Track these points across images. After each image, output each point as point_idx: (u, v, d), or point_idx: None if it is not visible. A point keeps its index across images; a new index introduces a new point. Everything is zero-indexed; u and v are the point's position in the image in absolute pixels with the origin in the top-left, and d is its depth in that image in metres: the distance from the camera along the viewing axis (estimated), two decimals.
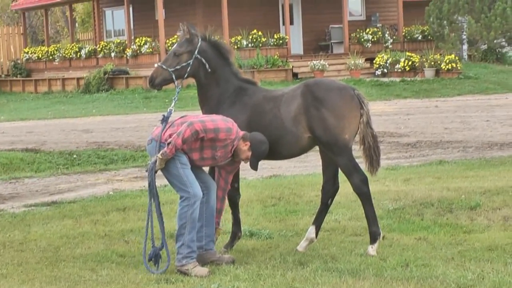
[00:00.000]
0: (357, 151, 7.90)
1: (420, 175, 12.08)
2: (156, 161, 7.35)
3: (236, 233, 8.14)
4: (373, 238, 7.77)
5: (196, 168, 7.53)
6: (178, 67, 7.80)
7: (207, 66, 7.81)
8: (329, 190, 8.03)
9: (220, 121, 7.39)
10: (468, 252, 7.58)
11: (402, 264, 7.26)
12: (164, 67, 7.82)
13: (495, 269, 6.98)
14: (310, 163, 14.19)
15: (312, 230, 8.02)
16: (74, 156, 16.34)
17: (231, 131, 7.38)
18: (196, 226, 7.41)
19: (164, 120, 7.59)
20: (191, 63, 7.81)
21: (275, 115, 7.70)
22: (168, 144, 7.31)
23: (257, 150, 7.47)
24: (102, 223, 9.67)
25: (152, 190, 7.47)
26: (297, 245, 8.09)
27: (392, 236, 8.31)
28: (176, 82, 7.83)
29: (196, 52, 7.80)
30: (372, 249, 7.71)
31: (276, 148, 7.71)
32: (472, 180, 11.40)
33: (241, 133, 7.50)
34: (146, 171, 7.52)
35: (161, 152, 7.33)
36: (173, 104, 7.86)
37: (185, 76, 7.85)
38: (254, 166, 7.55)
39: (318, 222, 8.07)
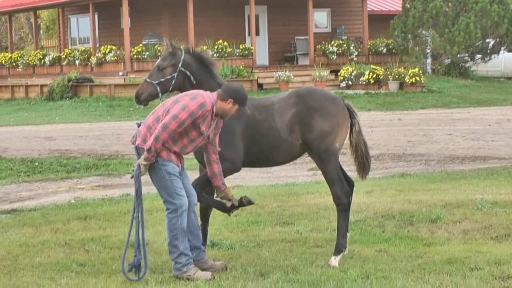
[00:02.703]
0: (343, 156, 7.94)
1: (382, 188, 12.14)
2: (139, 167, 7.36)
3: (205, 239, 8.13)
4: (338, 250, 7.85)
5: (183, 177, 7.51)
6: (163, 80, 7.81)
7: (192, 78, 7.81)
8: (347, 190, 8.04)
9: (191, 103, 7.27)
10: (428, 265, 7.63)
11: (363, 276, 7.29)
12: (149, 80, 7.84)
13: (454, 282, 7.03)
14: (273, 174, 14.21)
15: None
16: (36, 163, 16.20)
17: (204, 104, 7.28)
18: (186, 234, 7.44)
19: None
20: (175, 76, 7.81)
21: (270, 125, 7.81)
22: (148, 150, 7.29)
23: (240, 99, 7.39)
24: (63, 232, 9.59)
25: (139, 197, 7.47)
26: (258, 256, 8.09)
27: (353, 248, 8.33)
28: (161, 96, 7.82)
29: (179, 65, 7.81)
30: (334, 260, 7.76)
31: (271, 157, 7.89)
32: (433, 193, 11.48)
33: (215, 96, 7.39)
34: (132, 177, 7.50)
35: (143, 159, 7.33)
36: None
37: (170, 89, 7.86)
38: (245, 112, 7.48)
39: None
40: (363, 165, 8.15)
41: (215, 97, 7.41)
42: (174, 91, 7.92)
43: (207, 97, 7.36)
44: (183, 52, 7.87)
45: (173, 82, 7.82)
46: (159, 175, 7.39)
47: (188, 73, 7.82)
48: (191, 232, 7.60)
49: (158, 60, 7.96)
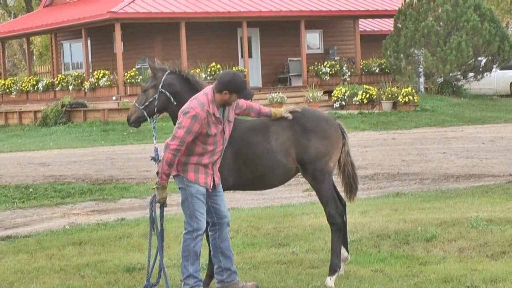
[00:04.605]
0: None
1: (377, 207, 12.14)
2: (155, 194, 7.37)
3: (212, 269, 8.03)
4: (333, 270, 7.83)
5: (217, 197, 7.53)
6: (146, 103, 7.82)
7: (171, 99, 7.80)
8: (342, 209, 8.06)
9: (184, 119, 7.24)
10: (424, 284, 7.62)
11: None
12: (136, 105, 7.89)
13: None
14: (268, 196, 14.20)
15: (342, 250, 8.05)
16: (31, 189, 16.17)
17: (197, 116, 7.21)
18: (198, 258, 7.43)
19: (155, 159, 7.63)
20: (157, 97, 7.81)
21: (266, 148, 7.77)
22: (157, 173, 7.32)
23: (236, 87, 7.34)
24: (58, 258, 9.56)
25: (152, 223, 7.47)
26: (254, 278, 8.07)
27: (349, 268, 8.32)
28: (149, 119, 7.84)
29: (160, 86, 7.81)
30: (330, 281, 7.75)
31: (267, 180, 7.87)
32: (428, 212, 11.48)
33: (210, 95, 7.33)
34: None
35: (155, 183, 7.35)
36: (154, 142, 7.90)
37: (155, 110, 7.84)
38: (249, 93, 7.46)
39: (343, 241, 8.12)
40: (350, 186, 8.17)
41: (211, 94, 7.35)
42: (161, 113, 7.91)
43: (198, 105, 7.27)
44: (166, 73, 7.87)
45: (156, 104, 7.82)
46: (184, 194, 7.41)
47: (168, 94, 7.81)
48: (222, 253, 7.61)
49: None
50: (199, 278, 7.46)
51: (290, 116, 7.80)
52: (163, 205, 7.44)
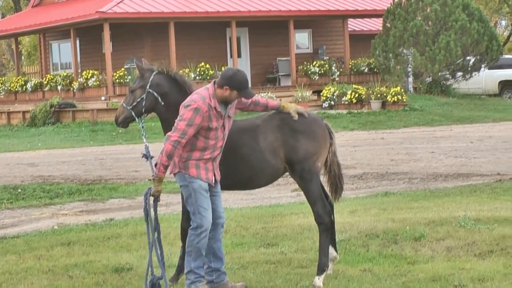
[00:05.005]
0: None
1: (366, 207, 12.15)
2: (150, 188, 7.36)
3: (182, 266, 8.11)
4: (321, 269, 7.84)
5: (215, 197, 7.53)
6: (134, 103, 7.82)
7: (159, 99, 7.80)
8: (329, 209, 8.08)
9: (186, 112, 7.24)
10: (412, 283, 7.64)
11: None
12: (124, 105, 7.89)
13: None
14: (257, 196, 14.21)
15: (330, 250, 8.07)
16: (19, 190, 16.13)
17: (199, 109, 7.21)
18: (202, 255, 7.43)
19: (146, 156, 7.63)
20: (144, 97, 7.81)
21: (254, 149, 7.77)
22: (155, 165, 7.30)
23: (237, 84, 7.31)
24: (46, 258, 9.54)
25: (147, 216, 7.44)
26: (243, 278, 8.08)
27: (337, 267, 8.33)
28: (137, 119, 7.84)
29: (147, 86, 7.81)
30: (319, 280, 7.76)
31: (255, 180, 7.88)
32: (417, 211, 11.50)
33: (211, 89, 7.33)
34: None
35: (152, 175, 7.34)
36: (144, 140, 7.89)
37: (143, 111, 7.85)
38: (249, 94, 7.43)
39: (331, 241, 8.13)
40: (336, 186, 8.19)
41: (212, 88, 7.35)
42: (149, 113, 7.91)
43: (200, 98, 7.27)
44: (153, 73, 7.88)
45: (143, 104, 7.82)
46: (186, 192, 7.40)
47: (155, 94, 7.81)
48: (214, 254, 7.62)
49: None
50: (200, 274, 7.45)
51: (296, 117, 7.80)
52: (156, 199, 7.43)
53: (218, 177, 7.56)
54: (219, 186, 7.61)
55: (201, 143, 7.35)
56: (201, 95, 7.32)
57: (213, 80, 7.46)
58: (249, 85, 7.48)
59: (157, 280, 7.45)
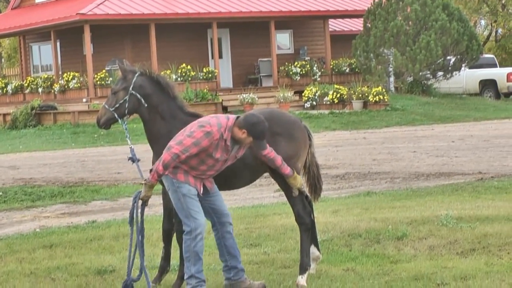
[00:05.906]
0: None
1: (348, 206, 12.17)
2: (140, 191, 7.33)
3: (164, 267, 8.11)
4: (303, 269, 7.85)
5: (213, 198, 7.50)
6: (117, 105, 7.81)
7: (142, 101, 7.79)
8: (309, 209, 8.09)
9: (197, 131, 7.19)
10: (395, 282, 7.66)
11: None
12: (106, 106, 7.86)
13: None
14: (240, 196, 14.20)
15: (313, 250, 8.08)
16: (0, 193, 16.04)
17: (211, 133, 7.17)
18: (200, 258, 7.39)
19: (133, 159, 7.61)
20: (127, 99, 7.79)
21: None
22: (151, 170, 7.26)
23: (256, 133, 7.25)
24: (28, 261, 9.49)
25: (132, 219, 7.42)
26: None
27: (320, 267, 8.34)
28: (120, 120, 7.82)
29: (130, 88, 7.79)
30: (302, 280, 7.76)
31: (234, 181, 7.88)
32: (399, 210, 11.53)
33: (231, 121, 7.26)
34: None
35: (144, 179, 7.30)
36: (129, 142, 7.87)
37: (126, 112, 7.83)
38: (262, 146, 7.40)
39: (314, 240, 8.14)
40: (315, 186, 8.20)
41: (232, 122, 7.29)
42: (131, 114, 7.89)
43: (216, 125, 7.21)
44: (136, 75, 7.85)
45: (126, 106, 7.81)
46: (175, 197, 7.35)
47: (138, 95, 7.79)
48: (228, 252, 7.59)
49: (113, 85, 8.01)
50: (201, 279, 7.41)
51: (296, 193, 7.76)
52: (144, 203, 7.41)
53: (211, 185, 7.50)
54: (216, 187, 7.59)
55: (193, 162, 7.28)
56: (219, 121, 7.25)
57: (237, 116, 7.39)
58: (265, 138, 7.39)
59: (130, 282, 7.43)
